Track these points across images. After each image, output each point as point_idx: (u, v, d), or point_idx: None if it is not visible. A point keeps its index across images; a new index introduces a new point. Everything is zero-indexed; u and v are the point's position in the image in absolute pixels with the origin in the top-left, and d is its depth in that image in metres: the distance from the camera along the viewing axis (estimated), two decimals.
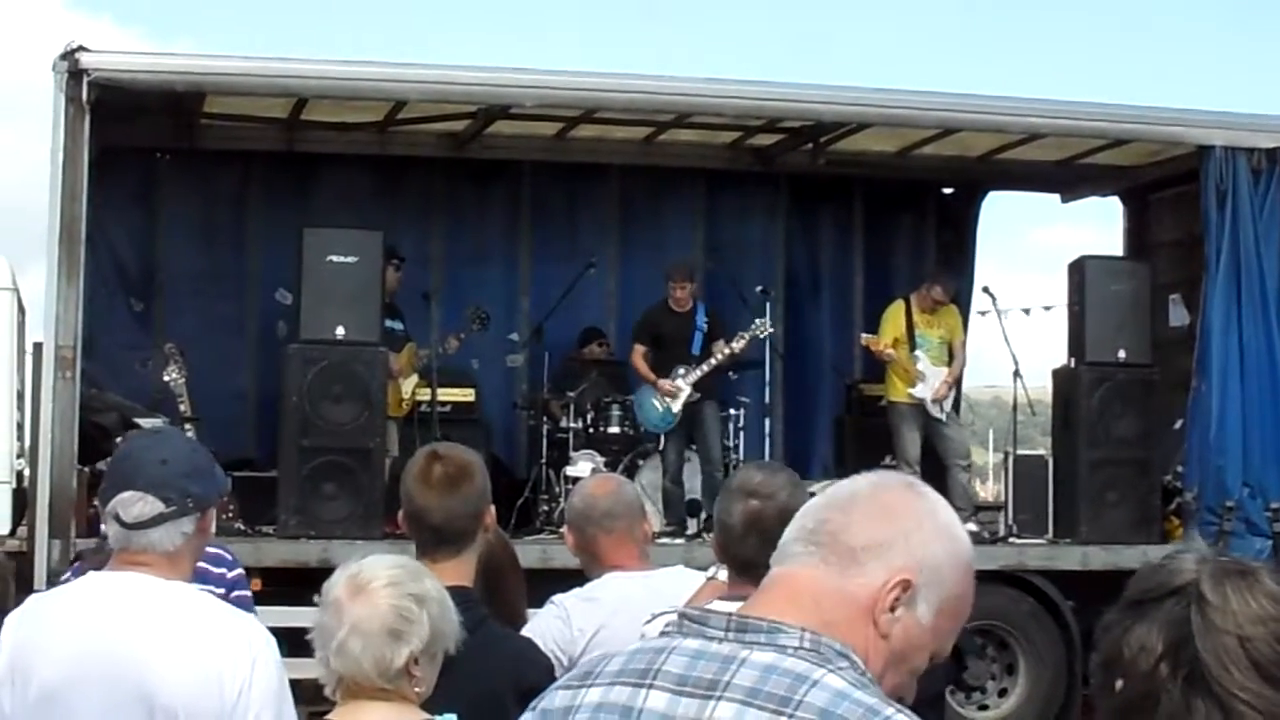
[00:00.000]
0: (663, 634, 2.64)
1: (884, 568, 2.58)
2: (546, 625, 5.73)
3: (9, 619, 4.39)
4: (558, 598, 5.81)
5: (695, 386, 15.04)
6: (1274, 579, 2.27)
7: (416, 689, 4.08)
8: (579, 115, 15.74)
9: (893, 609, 2.58)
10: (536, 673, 4.82)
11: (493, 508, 5.10)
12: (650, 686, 2.54)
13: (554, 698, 2.69)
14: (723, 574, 4.99)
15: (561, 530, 13.91)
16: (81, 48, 12.80)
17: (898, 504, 2.64)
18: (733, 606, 2.68)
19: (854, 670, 2.49)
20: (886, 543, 2.59)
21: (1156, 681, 2.17)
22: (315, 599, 4.21)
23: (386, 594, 4.06)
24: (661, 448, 15.19)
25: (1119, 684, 2.23)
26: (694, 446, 15.17)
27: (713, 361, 15.08)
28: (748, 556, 4.50)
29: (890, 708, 2.43)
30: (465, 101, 15.00)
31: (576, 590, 5.79)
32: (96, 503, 4.48)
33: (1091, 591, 14.38)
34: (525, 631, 5.69)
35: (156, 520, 4.21)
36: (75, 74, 12.73)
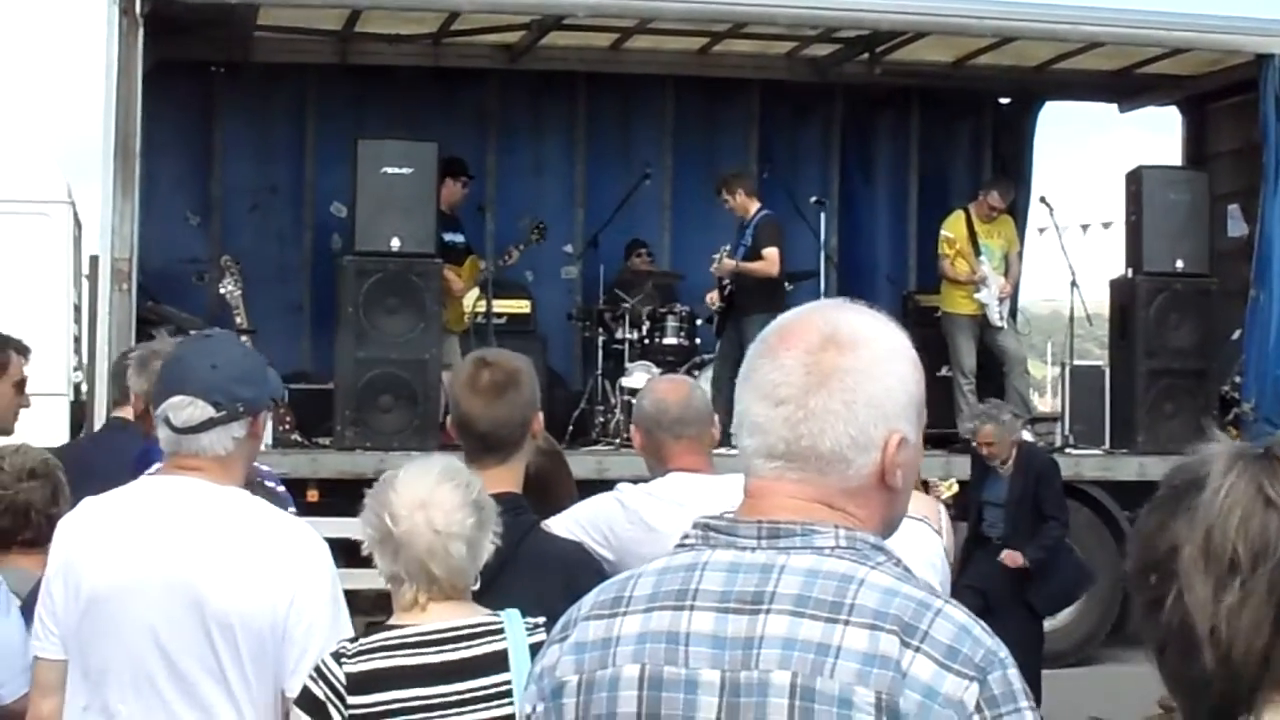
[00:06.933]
0: (684, 546, 2.55)
1: (872, 445, 2.51)
2: (603, 508, 5.64)
3: (62, 522, 4.41)
4: (622, 486, 5.74)
5: (723, 299, 15.10)
6: None
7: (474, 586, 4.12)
8: (633, 26, 15.67)
9: (898, 465, 2.54)
10: (588, 577, 4.79)
11: (541, 415, 5.06)
12: (692, 608, 2.46)
13: (585, 629, 2.56)
14: None
15: (616, 441, 14.10)
16: None
17: (833, 374, 2.50)
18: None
19: (892, 563, 2.47)
20: (858, 426, 2.50)
21: (1174, 574, 2.13)
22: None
23: (449, 499, 4.06)
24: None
25: (1152, 578, 2.19)
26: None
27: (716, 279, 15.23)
28: None
29: (938, 600, 2.42)
30: (519, 12, 14.97)
31: (642, 485, 5.72)
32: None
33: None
34: (579, 509, 5.65)
35: (206, 425, 4.19)
36: None
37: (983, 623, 2.43)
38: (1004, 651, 2.42)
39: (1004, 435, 12.22)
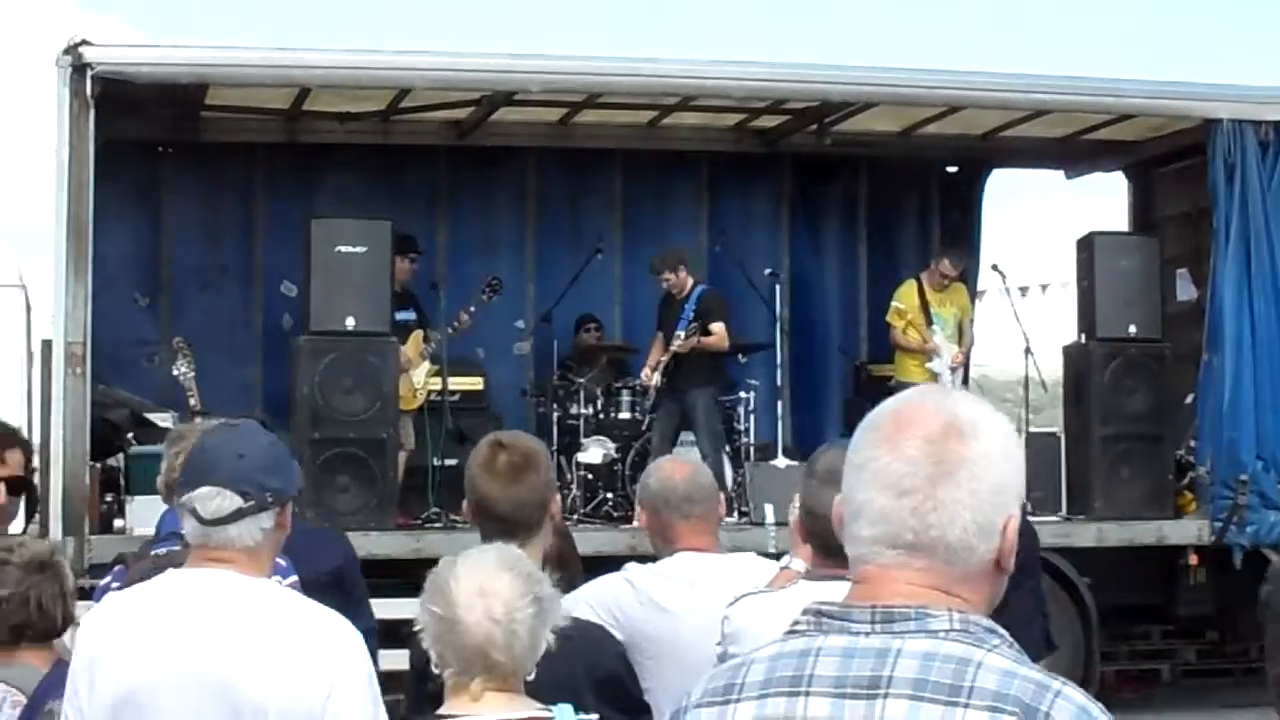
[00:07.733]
0: (794, 634, 2.54)
1: (994, 531, 2.52)
2: (612, 588, 5.63)
3: (86, 618, 4.31)
4: (631, 566, 5.72)
5: (663, 374, 15.03)
6: None
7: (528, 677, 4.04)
8: (582, 100, 15.67)
9: (1013, 547, 2.55)
10: (610, 659, 4.75)
11: (558, 496, 5.03)
12: (808, 694, 2.45)
13: (698, 717, 2.55)
14: (796, 563, 4.92)
15: (574, 517, 14.02)
16: (85, 42, 12.74)
17: (960, 464, 2.51)
18: (833, 586, 2.62)
19: (1006, 645, 2.47)
20: (983, 514, 2.51)
21: None
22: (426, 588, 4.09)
23: (510, 588, 3.98)
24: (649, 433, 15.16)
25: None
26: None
27: (663, 356, 15.09)
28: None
29: (1056, 681, 2.42)
30: (469, 89, 14.95)
31: (650, 564, 5.70)
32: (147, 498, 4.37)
33: (1107, 568, 14.41)
34: (588, 589, 5.61)
35: (235, 516, 4.11)
36: (79, 68, 12.69)
37: (1099, 704, 2.44)
38: None
39: None
